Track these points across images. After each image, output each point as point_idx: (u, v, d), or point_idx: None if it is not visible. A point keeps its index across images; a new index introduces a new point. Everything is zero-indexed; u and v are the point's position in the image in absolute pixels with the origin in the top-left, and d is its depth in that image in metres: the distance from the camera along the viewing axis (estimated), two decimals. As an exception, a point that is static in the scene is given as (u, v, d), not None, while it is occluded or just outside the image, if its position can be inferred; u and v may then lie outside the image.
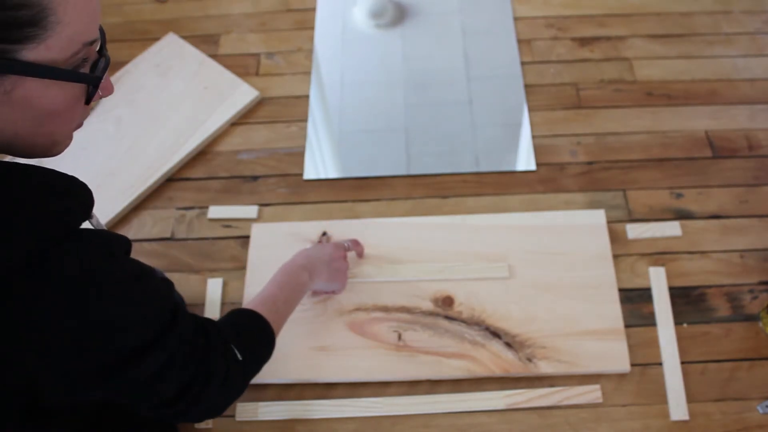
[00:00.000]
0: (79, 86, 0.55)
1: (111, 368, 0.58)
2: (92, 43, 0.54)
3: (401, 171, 1.19)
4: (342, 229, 1.09)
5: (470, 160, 1.20)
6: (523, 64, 1.31)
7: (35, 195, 0.53)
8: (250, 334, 0.79)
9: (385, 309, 1.02)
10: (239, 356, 0.73)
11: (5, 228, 0.51)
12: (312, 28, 1.40)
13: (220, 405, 0.73)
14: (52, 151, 0.58)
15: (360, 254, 1.06)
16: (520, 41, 1.35)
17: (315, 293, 1.03)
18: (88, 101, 0.57)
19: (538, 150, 1.20)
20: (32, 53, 0.49)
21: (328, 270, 0.96)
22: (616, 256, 1.07)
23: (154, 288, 0.63)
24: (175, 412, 0.68)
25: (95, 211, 0.64)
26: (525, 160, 1.19)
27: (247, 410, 0.96)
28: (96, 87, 0.56)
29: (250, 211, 1.15)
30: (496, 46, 1.35)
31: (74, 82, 0.54)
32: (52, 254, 0.53)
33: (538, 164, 1.18)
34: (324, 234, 1.09)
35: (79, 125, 0.59)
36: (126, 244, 0.62)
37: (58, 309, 0.53)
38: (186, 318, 0.67)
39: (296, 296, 0.90)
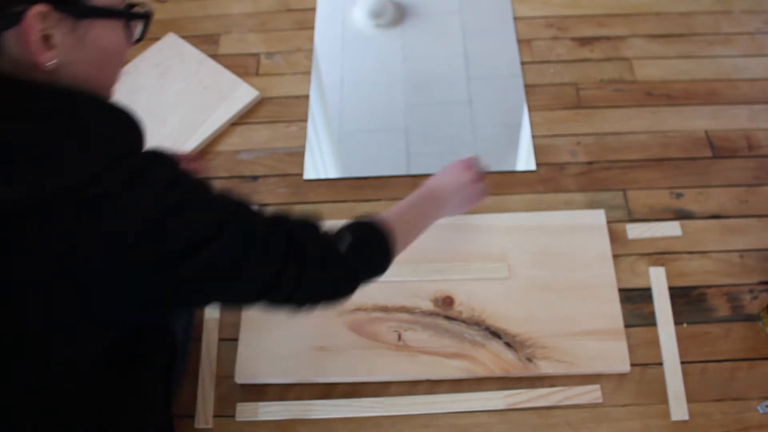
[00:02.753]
0: (124, 28, 0.62)
1: (179, 257, 0.58)
2: None
3: (401, 171, 1.19)
4: (342, 229, 1.09)
5: (470, 160, 1.20)
6: (523, 64, 1.31)
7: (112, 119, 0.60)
8: (358, 233, 0.79)
9: (385, 309, 1.02)
10: (340, 246, 0.75)
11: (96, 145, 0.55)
12: (312, 28, 1.40)
13: (326, 288, 0.74)
14: (109, 94, 0.64)
15: None
16: (520, 41, 1.35)
17: None
18: (138, 41, 0.65)
19: (538, 150, 1.20)
20: None
21: (459, 195, 0.97)
22: (616, 256, 1.07)
23: (221, 191, 0.65)
24: (282, 299, 0.70)
25: None
26: (525, 160, 1.19)
27: (247, 410, 0.96)
28: (148, 24, 0.64)
29: (250, 211, 1.15)
30: (496, 46, 1.35)
31: (131, 21, 0.62)
32: (131, 163, 0.56)
33: (538, 164, 1.18)
34: (324, 234, 1.09)
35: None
36: None
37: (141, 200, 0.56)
38: (255, 211, 0.68)
39: (424, 220, 0.91)
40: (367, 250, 0.80)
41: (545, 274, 1.04)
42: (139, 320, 0.64)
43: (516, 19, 1.38)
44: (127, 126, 0.61)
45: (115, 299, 0.57)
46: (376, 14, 1.33)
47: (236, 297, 0.68)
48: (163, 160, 0.60)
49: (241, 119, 1.27)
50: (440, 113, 1.27)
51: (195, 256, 0.59)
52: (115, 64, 0.63)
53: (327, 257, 0.73)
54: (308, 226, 0.73)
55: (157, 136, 1.23)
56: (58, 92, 0.56)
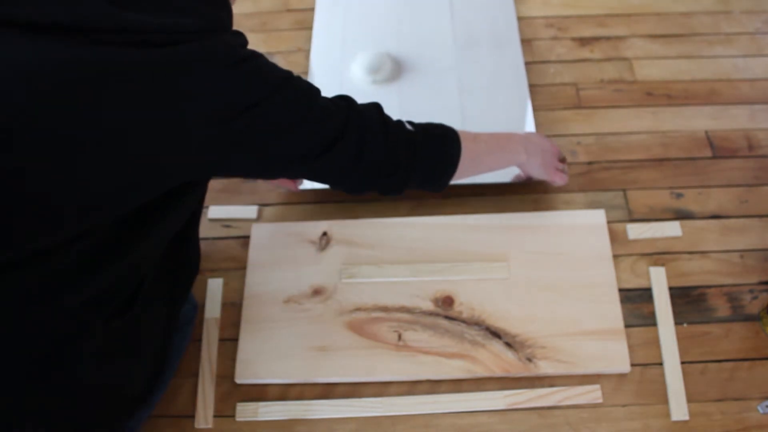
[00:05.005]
0: None
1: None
2: None
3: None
4: (342, 229, 1.09)
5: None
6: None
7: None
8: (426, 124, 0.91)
9: (385, 309, 1.02)
10: (406, 125, 0.87)
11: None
12: (310, 28, 1.39)
13: (382, 149, 0.83)
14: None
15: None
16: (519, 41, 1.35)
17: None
18: None
19: (538, 150, 1.20)
20: None
21: (542, 158, 1.03)
22: (616, 256, 1.07)
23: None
24: (349, 159, 0.82)
25: None
26: (525, 160, 1.18)
27: (247, 410, 0.96)
28: None
29: (250, 211, 1.15)
30: (498, 100, 1.25)
31: None
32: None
33: (538, 164, 1.18)
34: (324, 234, 1.09)
35: None
36: None
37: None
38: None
39: (500, 156, 1.00)
40: (433, 133, 0.90)
41: (545, 274, 1.04)
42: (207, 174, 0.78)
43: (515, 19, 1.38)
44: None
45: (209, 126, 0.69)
46: (373, 69, 1.29)
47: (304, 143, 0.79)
48: None
49: (241, 119, 1.26)
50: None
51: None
52: None
53: (390, 122, 0.84)
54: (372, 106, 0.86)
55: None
56: None
